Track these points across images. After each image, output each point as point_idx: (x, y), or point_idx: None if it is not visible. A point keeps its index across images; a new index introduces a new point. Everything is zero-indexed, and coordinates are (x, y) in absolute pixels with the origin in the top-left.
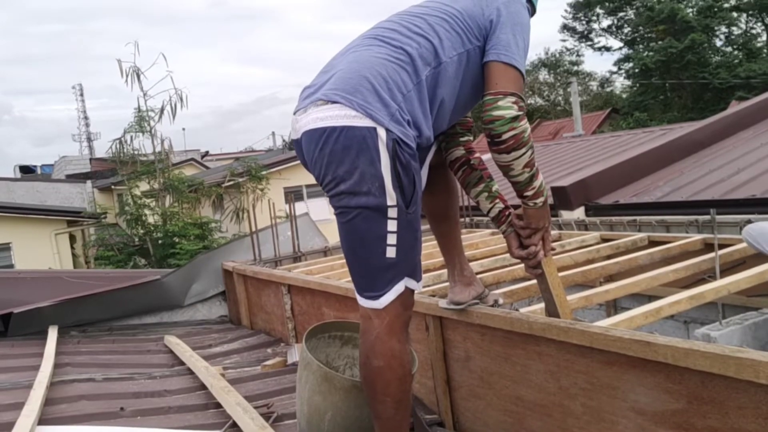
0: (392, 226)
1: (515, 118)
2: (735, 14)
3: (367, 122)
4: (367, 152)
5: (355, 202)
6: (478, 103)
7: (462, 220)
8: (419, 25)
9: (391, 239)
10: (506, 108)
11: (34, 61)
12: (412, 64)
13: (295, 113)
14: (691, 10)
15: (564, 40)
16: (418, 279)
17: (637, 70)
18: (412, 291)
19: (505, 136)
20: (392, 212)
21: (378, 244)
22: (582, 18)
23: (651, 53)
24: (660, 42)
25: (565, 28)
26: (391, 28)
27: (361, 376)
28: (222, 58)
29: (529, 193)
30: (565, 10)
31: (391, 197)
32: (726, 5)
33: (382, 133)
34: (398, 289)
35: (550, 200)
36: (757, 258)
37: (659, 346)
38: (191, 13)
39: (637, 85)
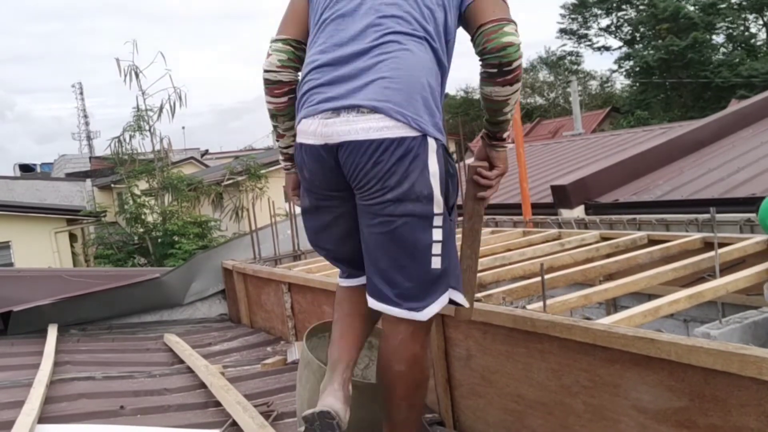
0: (438, 234)
1: (520, 46)
2: (736, 10)
3: (417, 133)
4: (418, 161)
5: (401, 210)
6: (474, 37)
7: (461, 218)
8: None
9: (437, 249)
10: (513, 34)
11: (34, 59)
12: (438, 63)
13: (316, 115)
14: (693, 8)
15: (563, 45)
16: (461, 290)
17: (637, 69)
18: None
19: (515, 64)
20: (438, 221)
21: (424, 254)
22: (578, 19)
23: (652, 51)
24: (661, 41)
25: (562, 32)
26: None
27: (380, 379)
28: (221, 56)
29: (507, 133)
30: (560, 14)
31: (439, 205)
32: (727, 2)
33: (432, 142)
34: (443, 301)
35: (549, 198)
36: (757, 257)
37: (662, 343)
38: (190, 11)
39: (638, 84)
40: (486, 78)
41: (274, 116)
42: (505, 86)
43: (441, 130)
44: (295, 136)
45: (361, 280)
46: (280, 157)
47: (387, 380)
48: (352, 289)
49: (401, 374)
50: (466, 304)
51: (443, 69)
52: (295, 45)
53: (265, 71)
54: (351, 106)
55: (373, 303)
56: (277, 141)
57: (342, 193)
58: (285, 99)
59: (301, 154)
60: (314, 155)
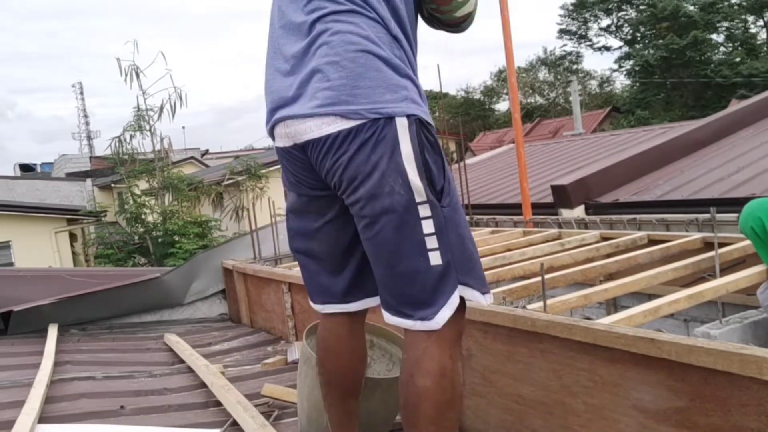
0: (428, 226)
1: None
2: (736, 9)
3: (378, 115)
4: (383, 145)
5: (378, 207)
6: None
7: None
8: None
9: (432, 242)
10: None
11: (35, 59)
12: (386, 28)
13: (277, 120)
14: (693, 7)
15: (563, 45)
16: (481, 287)
17: (638, 68)
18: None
19: None
20: (424, 210)
21: (419, 252)
22: (578, 19)
23: (653, 50)
24: (661, 40)
25: (562, 32)
26: None
27: (402, 398)
28: (222, 55)
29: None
30: (560, 15)
31: (420, 193)
32: (726, 2)
33: (401, 121)
34: (454, 302)
35: (549, 198)
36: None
37: (663, 342)
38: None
39: (638, 83)
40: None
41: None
42: None
43: (415, 100)
44: None
45: (348, 307)
46: None
47: (410, 399)
48: (340, 321)
49: (426, 390)
50: (484, 301)
51: (399, 32)
52: None
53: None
54: (303, 107)
55: (388, 318)
56: None
57: (327, 192)
58: None
59: (280, 158)
60: (289, 156)
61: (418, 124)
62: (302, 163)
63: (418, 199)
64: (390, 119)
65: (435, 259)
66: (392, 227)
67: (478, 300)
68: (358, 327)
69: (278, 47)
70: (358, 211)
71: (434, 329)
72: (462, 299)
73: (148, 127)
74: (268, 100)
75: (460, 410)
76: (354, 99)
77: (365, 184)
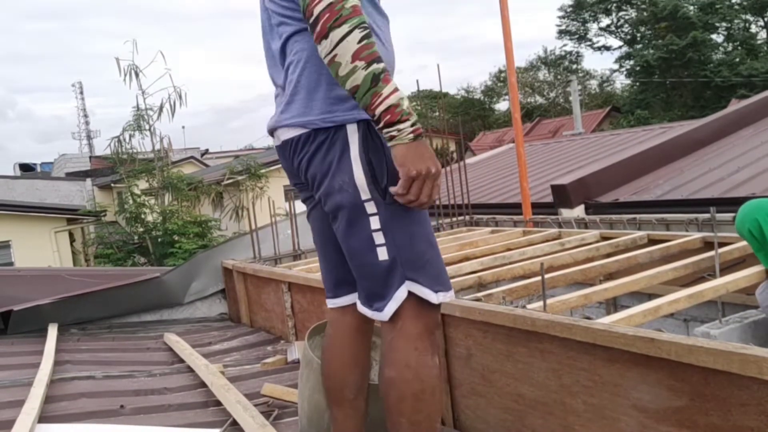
0: (375, 223)
1: None
2: (735, 10)
3: (330, 124)
4: (334, 149)
5: (333, 203)
6: None
7: (461, 218)
8: None
9: (378, 238)
10: None
11: (35, 58)
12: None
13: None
14: (692, 7)
15: (564, 45)
16: (433, 286)
17: (638, 68)
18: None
19: (316, 11)
20: (370, 207)
21: (368, 246)
22: (577, 19)
23: (653, 50)
24: (660, 40)
25: (561, 32)
26: None
27: (380, 390)
28: (222, 55)
29: (380, 109)
30: (559, 17)
31: (365, 191)
32: (726, 2)
33: (350, 127)
34: (400, 296)
35: (549, 198)
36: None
37: (663, 342)
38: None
39: (638, 83)
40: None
41: None
42: (321, 42)
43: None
44: None
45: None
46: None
47: (382, 390)
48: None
49: (391, 381)
50: (435, 299)
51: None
52: None
53: None
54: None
55: (358, 306)
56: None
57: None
58: None
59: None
60: (280, 153)
61: (365, 128)
62: (286, 159)
63: (363, 197)
64: (341, 126)
65: (382, 254)
66: (345, 222)
67: (429, 298)
68: (354, 332)
69: (270, 60)
70: (323, 207)
71: (383, 320)
72: (416, 297)
73: (147, 127)
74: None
75: (434, 404)
76: (309, 111)
77: (323, 183)
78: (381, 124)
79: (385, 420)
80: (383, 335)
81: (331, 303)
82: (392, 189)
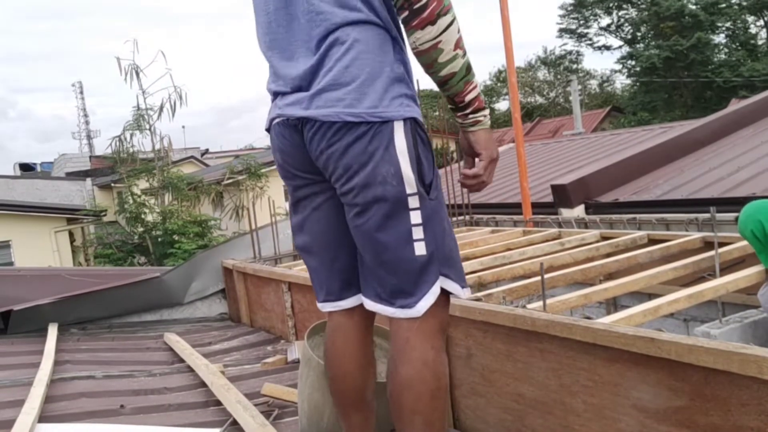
0: (416, 217)
1: None
2: (737, 10)
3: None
4: (380, 136)
5: (370, 196)
6: None
7: (461, 217)
8: None
9: (418, 233)
10: None
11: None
12: (393, 17)
13: (277, 95)
14: (695, 6)
15: (564, 44)
16: (460, 281)
17: (638, 69)
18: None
19: None
20: (414, 201)
21: (405, 241)
22: (578, 18)
23: (657, 51)
24: (663, 41)
25: (562, 31)
26: None
27: (388, 389)
28: (222, 54)
29: (470, 96)
30: (559, 15)
31: (411, 185)
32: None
33: (397, 122)
34: (435, 291)
35: (549, 198)
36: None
37: (663, 342)
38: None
39: (638, 83)
40: (405, 27)
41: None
42: (425, 27)
43: (410, 102)
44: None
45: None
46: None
47: (394, 389)
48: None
49: (409, 380)
50: (462, 294)
51: (397, 33)
52: None
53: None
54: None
55: (368, 303)
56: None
57: (314, 177)
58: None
59: (274, 139)
60: (283, 134)
61: (412, 123)
62: (293, 141)
63: (408, 191)
64: (387, 121)
65: (420, 249)
66: (382, 216)
67: (457, 292)
68: (362, 333)
69: (278, 27)
70: (351, 200)
71: (415, 317)
72: (445, 294)
73: (148, 127)
74: (271, 79)
75: (446, 402)
76: (357, 102)
77: (360, 173)
78: (469, 110)
79: (394, 419)
80: (397, 333)
81: (335, 306)
82: (470, 171)
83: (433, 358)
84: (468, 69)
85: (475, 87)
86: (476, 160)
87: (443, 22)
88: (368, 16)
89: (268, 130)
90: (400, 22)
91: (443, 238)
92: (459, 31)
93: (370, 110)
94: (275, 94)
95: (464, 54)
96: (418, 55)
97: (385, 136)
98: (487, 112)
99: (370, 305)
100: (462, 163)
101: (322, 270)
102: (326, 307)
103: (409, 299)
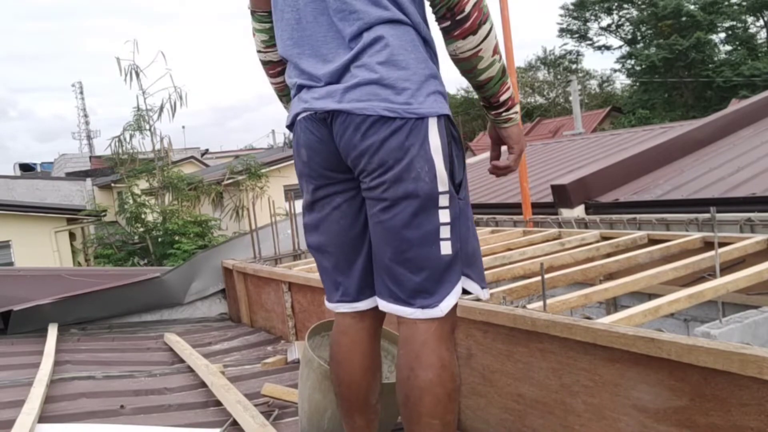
0: (445, 216)
1: None
2: (737, 9)
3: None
4: (415, 132)
5: (402, 191)
6: None
7: None
8: None
9: (445, 232)
10: None
11: (36, 58)
12: (423, 17)
13: (302, 88)
14: (694, 6)
15: (564, 44)
16: (481, 282)
17: (638, 68)
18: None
19: (468, 7)
20: (444, 200)
21: (432, 239)
22: (579, 18)
23: (656, 50)
24: (663, 40)
25: (562, 31)
26: None
27: (402, 395)
28: (221, 54)
29: (504, 96)
30: (560, 15)
31: (443, 183)
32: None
33: (432, 118)
34: (458, 291)
35: (549, 198)
36: (757, 256)
37: (663, 342)
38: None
39: (638, 83)
40: (444, 36)
41: (279, 97)
42: (467, 37)
43: (443, 99)
44: None
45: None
46: None
47: (412, 394)
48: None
49: (429, 384)
50: (483, 295)
51: (428, 32)
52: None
53: (256, 51)
54: (341, 86)
55: (382, 304)
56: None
57: (339, 175)
58: (281, 79)
59: (298, 134)
60: (309, 128)
61: (446, 120)
62: (320, 136)
63: (440, 189)
64: (422, 118)
65: (446, 248)
66: (411, 212)
67: (477, 293)
68: (372, 337)
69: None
70: (380, 194)
71: (437, 317)
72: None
73: (148, 127)
74: (294, 72)
75: (458, 402)
76: (394, 98)
77: (394, 168)
78: (502, 109)
79: (409, 422)
80: (412, 335)
81: (350, 307)
82: (500, 163)
83: (449, 360)
84: (504, 71)
85: (509, 88)
86: (504, 149)
87: (483, 30)
88: (399, 16)
89: (290, 126)
90: (439, 29)
91: (467, 238)
92: (496, 37)
93: (407, 106)
94: (299, 88)
95: (500, 58)
96: (458, 62)
97: (420, 132)
98: (518, 108)
99: (385, 306)
100: (489, 152)
101: (337, 270)
102: (340, 307)
103: (430, 299)
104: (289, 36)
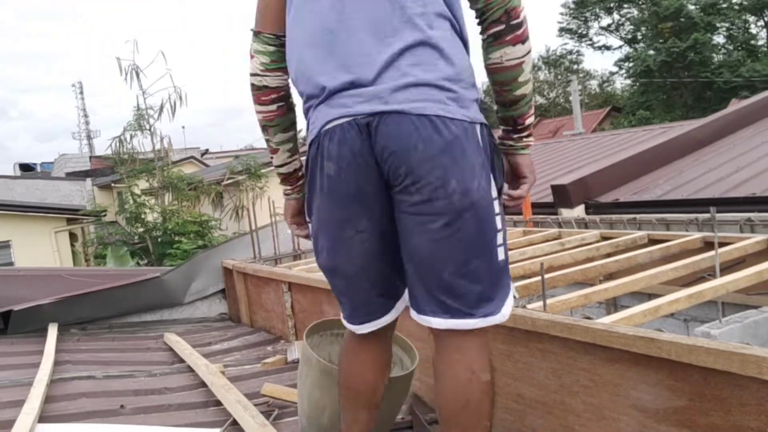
0: (500, 222)
1: None
2: (737, 10)
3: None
4: (472, 138)
5: (468, 200)
6: None
7: None
8: None
9: (500, 238)
10: None
11: (36, 57)
12: (462, 17)
13: (332, 94)
14: (694, 7)
15: (564, 44)
16: (512, 285)
17: (637, 71)
18: None
19: (522, 14)
20: (497, 206)
21: (491, 248)
22: (579, 18)
23: (653, 53)
24: (662, 42)
25: (562, 30)
26: None
27: (462, 400)
28: (221, 54)
29: (530, 120)
30: (561, 13)
31: (494, 190)
32: (727, 2)
33: (478, 125)
34: (512, 295)
35: (549, 198)
36: (757, 256)
37: (663, 342)
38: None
39: (637, 84)
40: (493, 41)
41: (264, 128)
42: (516, 45)
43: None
44: (290, 150)
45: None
46: (278, 180)
47: (474, 398)
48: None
49: (489, 386)
50: (513, 299)
51: (466, 33)
52: (279, 42)
53: (251, 75)
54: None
55: (437, 322)
56: (271, 157)
57: (367, 193)
58: (274, 107)
59: (330, 147)
60: (343, 137)
61: (487, 129)
62: (354, 148)
63: (493, 195)
64: (472, 123)
65: (501, 254)
66: (476, 222)
67: (512, 294)
68: (387, 345)
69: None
70: (442, 207)
71: (501, 322)
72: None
73: (148, 127)
74: (331, 66)
75: None
76: (450, 102)
77: (459, 179)
78: (524, 133)
79: (465, 427)
80: (459, 346)
81: (375, 325)
82: (515, 192)
83: (489, 368)
84: (533, 93)
85: (534, 112)
86: (517, 179)
87: (529, 44)
88: (449, 16)
89: (314, 139)
90: (486, 36)
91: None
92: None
93: (462, 110)
94: (330, 93)
95: (532, 80)
96: (500, 71)
97: (474, 137)
98: (532, 132)
99: (440, 323)
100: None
101: (356, 292)
102: (365, 328)
103: (491, 306)
104: (322, 23)
